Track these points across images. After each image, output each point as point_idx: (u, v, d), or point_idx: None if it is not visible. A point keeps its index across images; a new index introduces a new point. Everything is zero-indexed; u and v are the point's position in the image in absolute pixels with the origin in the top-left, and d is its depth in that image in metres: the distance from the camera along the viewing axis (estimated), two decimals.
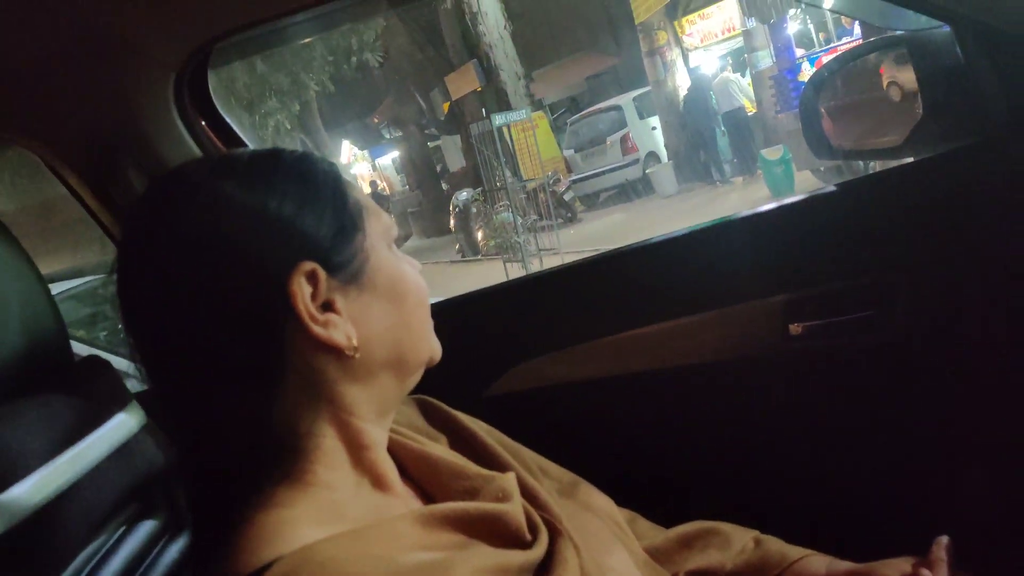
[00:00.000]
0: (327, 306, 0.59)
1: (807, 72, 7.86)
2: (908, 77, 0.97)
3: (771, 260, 1.05)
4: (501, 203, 9.96)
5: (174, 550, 0.75)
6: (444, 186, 16.93)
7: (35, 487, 0.61)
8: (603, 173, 12.65)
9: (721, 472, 1.05)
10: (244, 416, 0.58)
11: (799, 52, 8.92)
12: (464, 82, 12.12)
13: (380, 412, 0.64)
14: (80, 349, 2.69)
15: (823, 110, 1.10)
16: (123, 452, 0.72)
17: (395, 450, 0.69)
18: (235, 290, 0.57)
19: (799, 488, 0.99)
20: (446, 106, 14.23)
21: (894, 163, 1.06)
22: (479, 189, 10.99)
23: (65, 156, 0.94)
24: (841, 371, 1.02)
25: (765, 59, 9.03)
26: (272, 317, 0.57)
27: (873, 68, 1.11)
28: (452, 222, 11.87)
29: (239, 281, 0.57)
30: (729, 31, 11.49)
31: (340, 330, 0.59)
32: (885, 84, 1.08)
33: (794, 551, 0.82)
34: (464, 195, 11.48)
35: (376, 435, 0.63)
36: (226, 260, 0.57)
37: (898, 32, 1.01)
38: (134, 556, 0.70)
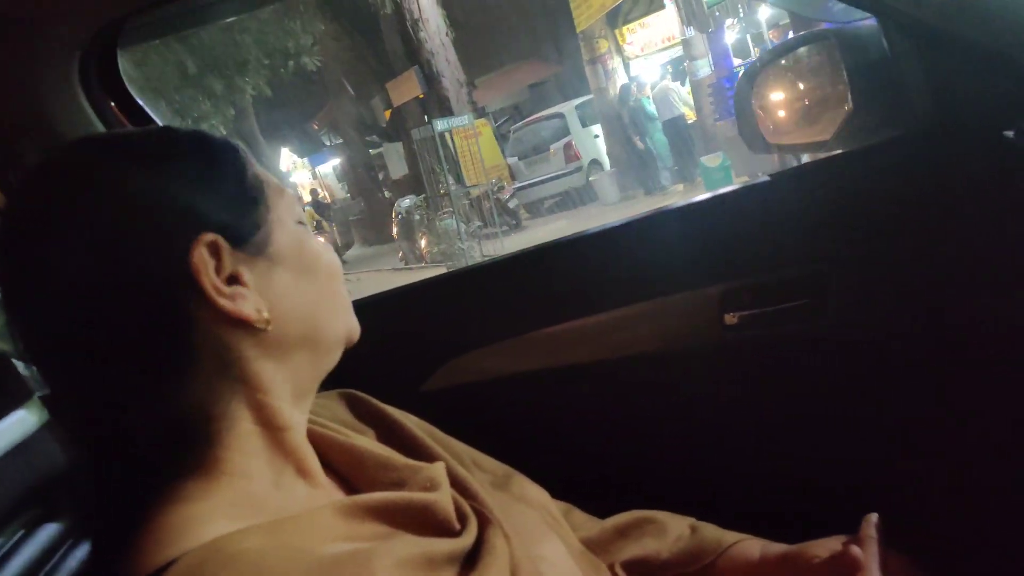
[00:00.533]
0: (234, 280, 0.57)
1: None
2: None
3: (706, 250, 1.05)
4: (444, 210, 9.93)
5: (79, 555, 0.70)
6: (387, 194, 16.80)
7: None
8: (547, 181, 12.75)
9: (661, 463, 1.04)
10: (151, 403, 0.55)
11: (736, 61, 9.15)
12: (406, 89, 12.08)
13: (297, 393, 0.62)
14: None
15: (756, 104, 1.11)
16: (20, 451, 0.68)
17: (318, 443, 0.67)
18: (134, 270, 0.54)
19: (739, 477, 1.00)
20: (388, 113, 14.16)
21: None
22: (422, 196, 10.94)
23: None
24: (776, 360, 1.03)
25: (704, 68, 9.23)
26: (175, 294, 0.54)
27: (804, 62, 1.12)
28: (395, 230, 11.76)
29: (137, 260, 0.54)
30: (669, 40, 11.69)
31: (249, 302, 0.57)
32: None
33: (729, 536, 0.82)
34: (407, 202, 11.40)
35: (294, 417, 0.61)
36: (121, 240, 0.54)
37: (826, 25, 1.03)
38: (34, 561, 0.66)
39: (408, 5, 11.03)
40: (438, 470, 0.67)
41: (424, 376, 1.12)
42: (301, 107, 19.12)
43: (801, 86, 1.12)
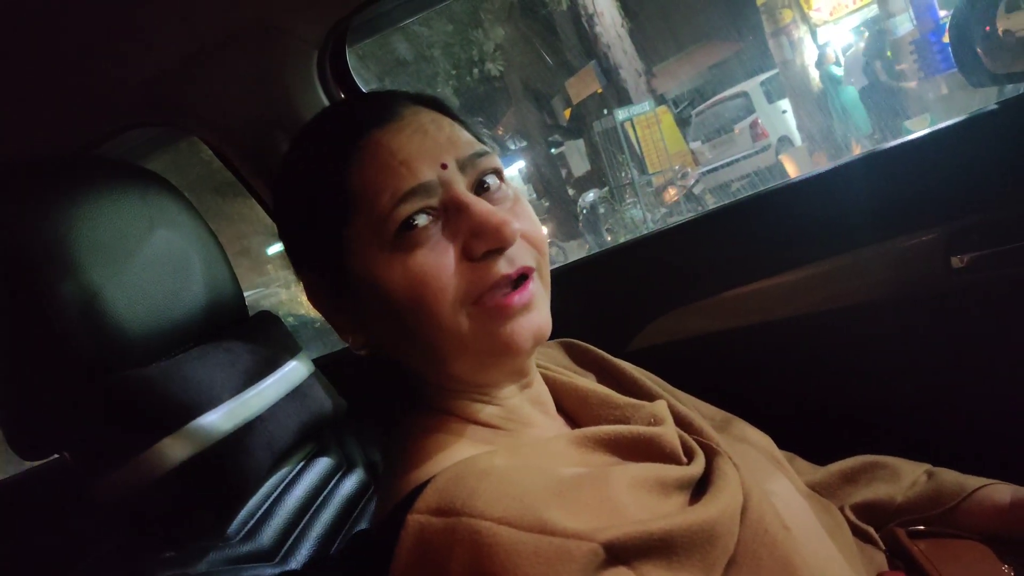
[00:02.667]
0: (343, 308, 0.62)
1: None
2: None
3: (928, 189, 0.98)
4: (628, 200, 9.86)
5: (348, 485, 0.80)
6: (570, 191, 16.95)
7: (226, 416, 0.67)
8: (733, 163, 12.20)
9: (883, 415, 0.99)
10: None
11: (942, 13, 8.22)
12: (584, 85, 12.12)
13: (475, 390, 0.63)
14: None
15: (978, 31, 1.01)
16: (296, 395, 0.78)
17: (546, 383, 0.71)
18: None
19: (967, 429, 0.92)
20: (567, 112, 14.29)
21: None
22: (605, 189, 10.94)
23: (231, 139, 1.03)
24: (1013, 305, 0.94)
25: (904, 24, 8.40)
26: None
27: None
28: (580, 224, 11.84)
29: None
30: None
31: (347, 332, 0.63)
32: None
33: (972, 480, 0.77)
34: (591, 196, 11.42)
35: (484, 397, 0.64)
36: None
37: None
38: (314, 486, 0.76)
39: (582, 0, 11.07)
40: (660, 407, 0.68)
41: (629, 336, 1.14)
42: (486, 114, 19.79)
43: None
